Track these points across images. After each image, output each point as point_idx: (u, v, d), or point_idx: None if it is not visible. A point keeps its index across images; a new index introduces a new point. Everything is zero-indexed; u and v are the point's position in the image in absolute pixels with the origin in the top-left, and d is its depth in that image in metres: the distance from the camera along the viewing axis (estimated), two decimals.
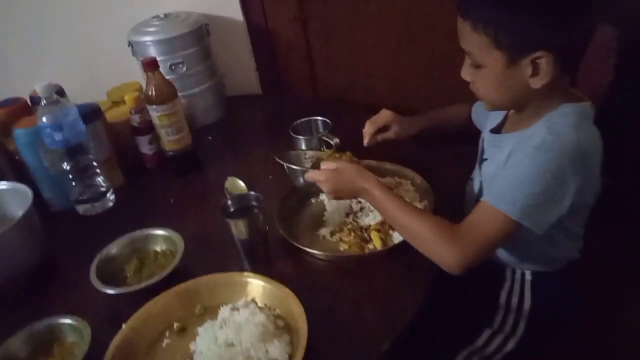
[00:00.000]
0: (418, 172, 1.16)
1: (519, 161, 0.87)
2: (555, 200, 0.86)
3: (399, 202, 0.94)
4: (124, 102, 1.47)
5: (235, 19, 1.65)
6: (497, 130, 1.05)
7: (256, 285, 0.93)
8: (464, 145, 1.36)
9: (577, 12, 0.83)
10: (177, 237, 1.06)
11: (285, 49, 1.70)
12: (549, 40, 0.83)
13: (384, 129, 1.21)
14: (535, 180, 0.84)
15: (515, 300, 1.07)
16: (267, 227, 1.02)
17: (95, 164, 1.26)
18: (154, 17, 1.52)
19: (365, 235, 1.04)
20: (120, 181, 1.36)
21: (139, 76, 1.56)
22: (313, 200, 1.18)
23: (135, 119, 1.35)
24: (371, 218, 1.06)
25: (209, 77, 1.57)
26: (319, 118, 1.31)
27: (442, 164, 1.31)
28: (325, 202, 1.16)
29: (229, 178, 1.26)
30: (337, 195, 1.01)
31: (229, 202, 1.03)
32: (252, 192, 1.03)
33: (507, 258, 1.05)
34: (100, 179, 1.28)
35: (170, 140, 1.31)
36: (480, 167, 1.07)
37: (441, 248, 0.87)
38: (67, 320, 0.91)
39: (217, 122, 1.62)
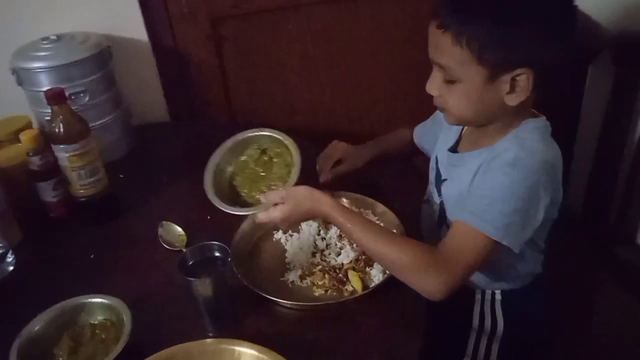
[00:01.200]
0: (376, 199, 1.08)
1: (494, 179, 0.85)
2: (531, 216, 0.85)
3: (370, 227, 0.88)
4: (10, 141, 1.23)
5: (139, 39, 1.46)
6: (453, 149, 1.02)
7: (237, 354, 0.78)
8: (403, 162, 1.35)
9: (566, 27, 0.83)
10: (117, 303, 0.87)
11: (197, 71, 1.55)
12: (534, 57, 0.81)
13: (336, 162, 1.14)
14: (512, 198, 0.83)
15: (487, 322, 1.04)
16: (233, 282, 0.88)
17: None
18: (43, 40, 1.29)
19: (341, 275, 0.94)
20: (18, 238, 1.11)
21: (25, 108, 1.31)
22: (269, 240, 1.05)
23: (35, 162, 1.11)
24: (343, 256, 0.97)
25: (114, 107, 1.37)
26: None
27: (393, 185, 1.26)
28: (283, 240, 1.04)
29: (162, 223, 1.09)
30: (295, 226, 0.96)
31: (188, 254, 0.87)
32: (215, 242, 0.88)
33: (478, 279, 1.01)
34: None
35: (84, 185, 1.10)
36: (437, 189, 1.04)
37: (424, 276, 0.82)
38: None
39: (126, 157, 1.41)
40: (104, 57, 1.33)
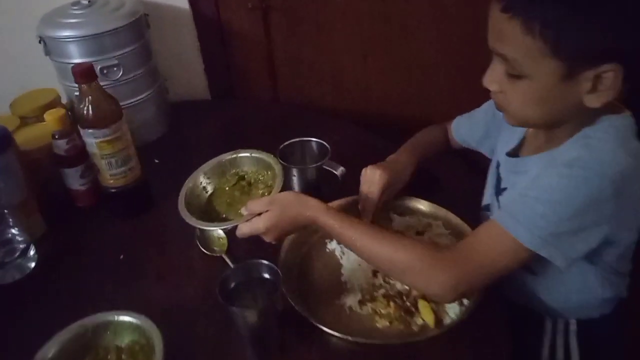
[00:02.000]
0: (449, 209, 0.93)
1: (543, 179, 0.72)
2: (584, 229, 0.70)
3: (365, 228, 0.78)
4: (37, 118, 1.11)
5: (179, 7, 1.31)
6: (514, 153, 0.87)
7: None
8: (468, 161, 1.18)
9: None
10: (147, 325, 0.75)
11: (241, 45, 1.40)
12: (626, 48, 0.65)
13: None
14: (561, 203, 0.69)
15: (560, 356, 0.89)
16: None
17: (5, 211, 0.90)
18: (73, 5, 1.15)
19: (408, 304, 0.79)
20: (41, 230, 1.00)
21: (53, 81, 1.19)
22: (322, 250, 0.91)
23: (61, 146, 0.99)
24: None
25: (151, 83, 1.23)
26: (313, 139, 1.04)
27: (459, 189, 1.11)
28: (338, 253, 0.90)
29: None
30: (284, 237, 0.84)
31: (230, 275, 0.73)
32: (263, 262, 0.74)
33: (546, 305, 0.87)
34: (14, 232, 0.92)
35: (115, 175, 0.97)
36: (497, 198, 0.89)
37: (431, 273, 0.73)
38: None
39: (162, 139, 1.28)
40: (140, 26, 1.19)
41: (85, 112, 0.91)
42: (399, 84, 1.50)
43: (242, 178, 1.00)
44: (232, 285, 0.73)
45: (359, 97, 1.51)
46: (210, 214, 0.92)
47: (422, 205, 0.95)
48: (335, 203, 0.93)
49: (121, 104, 1.14)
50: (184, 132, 1.32)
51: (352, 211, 0.88)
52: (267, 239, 0.80)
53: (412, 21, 1.41)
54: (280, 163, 0.98)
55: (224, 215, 0.92)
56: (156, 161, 1.19)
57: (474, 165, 1.44)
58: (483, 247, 0.72)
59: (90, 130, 0.93)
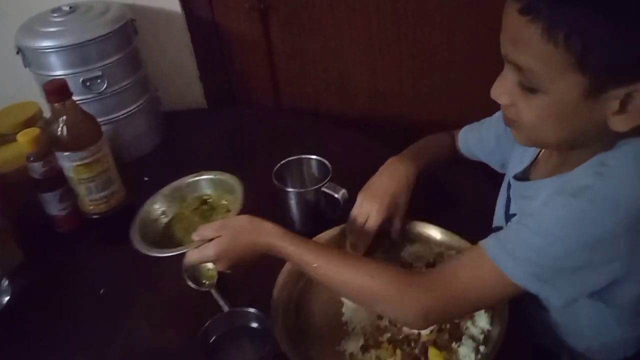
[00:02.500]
0: (463, 236, 0.83)
1: (544, 208, 0.62)
2: (588, 267, 0.60)
3: (327, 253, 0.70)
4: (16, 134, 1.03)
5: (169, 10, 1.22)
6: (524, 175, 0.77)
7: None
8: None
9: None
10: None
11: (239, 48, 1.31)
12: None
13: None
14: (561, 238, 0.59)
15: None
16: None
17: None
18: (53, 11, 1.06)
19: (417, 351, 0.70)
20: (18, 260, 0.92)
21: (35, 94, 1.10)
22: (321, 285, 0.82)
23: (37, 169, 0.90)
24: None
25: (140, 93, 1.14)
26: (313, 157, 0.94)
27: (477, 204, 1.00)
28: None
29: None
30: (238, 266, 0.74)
31: (211, 327, 0.64)
32: (251, 310, 0.66)
33: (563, 343, 0.77)
34: None
35: (95, 200, 0.89)
36: (507, 224, 0.78)
37: (399, 298, 0.65)
38: None
39: (153, 153, 1.20)
40: (127, 33, 1.10)
41: (59, 133, 0.83)
42: (410, 85, 1.39)
43: (205, 202, 0.94)
44: (215, 337, 0.64)
45: (368, 100, 1.41)
46: (168, 240, 0.87)
47: (434, 231, 0.85)
48: (324, 235, 0.84)
49: (107, 118, 1.09)
50: (178, 145, 1.23)
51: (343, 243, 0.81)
52: (219, 267, 0.74)
53: (422, 19, 1.30)
54: (276, 185, 0.89)
55: (182, 242, 0.87)
56: (146, 179, 1.11)
57: (492, 175, 1.34)
58: (465, 275, 0.64)
59: (65, 154, 0.84)
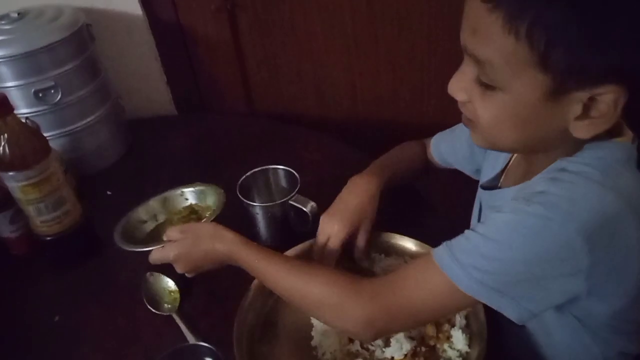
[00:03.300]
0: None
1: (498, 214, 0.57)
2: (544, 280, 0.55)
3: (279, 260, 0.69)
4: None
5: (130, 13, 1.15)
6: (492, 184, 0.73)
7: None
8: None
9: None
10: None
11: (207, 51, 1.25)
12: (633, 69, 0.51)
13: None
14: (510, 246, 0.54)
15: None
16: None
17: None
18: (1, 18, 1.00)
19: None
20: None
21: None
22: (291, 306, 0.77)
23: None
24: (395, 348, 0.67)
25: (99, 102, 1.08)
26: (280, 167, 0.88)
27: (454, 211, 0.95)
28: None
29: (148, 276, 0.81)
30: (197, 271, 0.74)
31: None
32: (206, 345, 0.60)
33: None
34: None
35: (46, 221, 0.83)
36: None
37: (344, 306, 0.61)
38: None
39: (117, 164, 1.14)
40: (82, 39, 1.03)
41: (1, 152, 0.76)
42: (389, 85, 1.34)
43: (195, 212, 0.91)
44: None
45: (345, 103, 1.36)
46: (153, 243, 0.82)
47: (409, 243, 0.80)
48: (294, 250, 0.80)
49: (64, 130, 1.03)
50: (144, 154, 1.17)
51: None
52: (178, 269, 0.74)
53: (401, 15, 1.24)
54: (241, 200, 0.83)
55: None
56: (108, 193, 1.05)
57: (468, 183, 1.29)
58: (412, 284, 0.60)
59: (10, 173, 0.78)
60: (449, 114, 0.90)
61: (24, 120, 0.81)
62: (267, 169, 0.89)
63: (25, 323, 0.82)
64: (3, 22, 0.99)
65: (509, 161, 0.72)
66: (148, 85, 1.25)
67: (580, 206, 0.53)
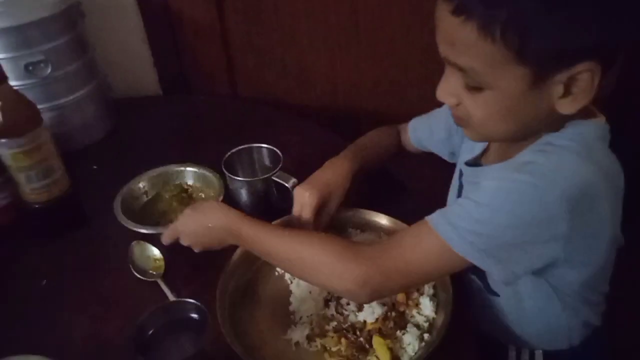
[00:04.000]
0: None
1: (488, 183, 0.63)
2: (530, 243, 0.61)
3: (275, 231, 0.72)
4: None
5: None
6: (475, 161, 0.78)
7: None
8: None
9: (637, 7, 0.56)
10: None
11: (194, 34, 1.28)
12: (603, 42, 0.56)
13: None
14: (501, 209, 0.60)
15: None
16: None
17: None
18: None
19: (363, 340, 0.70)
20: None
21: None
22: (271, 274, 0.81)
23: None
24: (367, 312, 0.72)
25: (87, 79, 1.10)
26: (264, 146, 0.93)
27: (427, 195, 1.01)
28: (287, 277, 0.80)
29: (134, 244, 0.85)
30: (202, 246, 0.76)
31: (147, 320, 0.63)
32: (190, 301, 0.64)
33: (510, 331, 0.78)
34: None
35: (35, 189, 0.85)
36: None
37: (341, 267, 0.64)
38: None
39: (103, 141, 1.16)
40: (72, 16, 1.06)
41: None
42: (369, 75, 1.39)
43: (185, 191, 0.96)
44: (151, 331, 0.62)
45: (326, 90, 1.40)
46: (144, 219, 0.89)
47: (384, 220, 0.85)
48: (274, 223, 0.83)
49: (53, 104, 1.05)
50: (129, 133, 1.20)
51: None
52: (184, 242, 0.77)
53: (381, 9, 1.29)
54: (225, 174, 0.87)
55: (158, 222, 0.90)
56: (94, 167, 1.08)
57: (441, 167, 1.35)
58: (408, 246, 0.64)
59: (2, 140, 0.81)
60: (427, 106, 0.97)
61: None
62: (251, 147, 0.93)
63: (13, 287, 0.84)
64: None
65: (489, 143, 0.77)
66: (135, 66, 1.28)
67: (564, 174, 0.59)
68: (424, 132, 0.94)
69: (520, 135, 0.66)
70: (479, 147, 0.79)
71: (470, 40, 0.57)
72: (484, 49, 0.56)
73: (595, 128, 0.65)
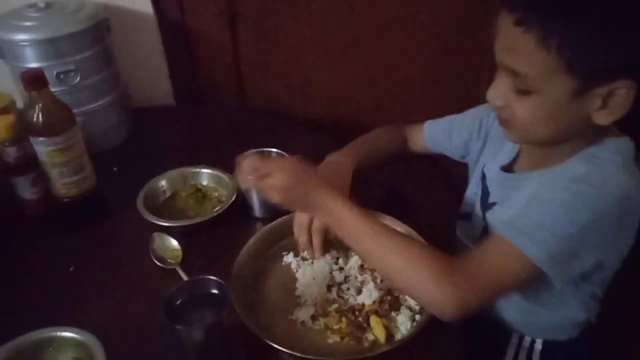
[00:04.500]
0: (398, 218, 0.91)
1: (552, 193, 0.70)
2: (585, 249, 0.69)
3: (372, 224, 0.72)
4: None
5: (142, 12, 1.29)
6: (508, 168, 0.86)
7: None
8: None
9: None
10: (92, 341, 0.72)
11: (207, 50, 1.39)
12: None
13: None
14: (568, 219, 0.67)
15: None
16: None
17: None
18: (30, 7, 1.12)
19: (361, 320, 0.78)
20: None
21: (8, 84, 1.15)
22: (278, 263, 0.90)
23: (11, 154, 0.96)
24: (365, 295, 0.81)
25: (111, 88, 1.21)
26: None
27: (420, 196, 1.10)
28: (294, 266, 0.89)
29: (155, 235, 0.94)
30: (289, 204, 0.77)
31: (175, 292, 0.71)
32: (212, 278, 0.73)
33: (515, 319, 0.86)
34: None
35: (66, 184, 0.94)
36: (483, 211, 0.87)
37: (436, 286, 0.67)
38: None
39: (122, 145, 1.26)
40: (100, 30, 1.16)
41: (35, 119, 0.88)
42: (367, 92, 1.49)
43: (199, 190, 1.05)
44: (179, 302, 0.71)
45: (326, 103, 1.50)
46: (163, 214, 0.98)
47: (386, 220, 0.93)
48: (283, 219, 0.93)
49: (79, 110, 1.14)
50: (146, 139, 1.29)
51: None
52: (274, 197, 0.75)
53: (379, 31, 1.40)
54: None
55: (177, 217, 0.99)
56: (115, 169, 1.17)
57: (441, 176, 1.44)
58: (492, 264, 0.69)
59: (40, 139, 0.90)
60: (422, 119, 1.06)
61: None
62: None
63: (42, 272, 0.93)
64: (31, 10, 1.11)
65: (519, 149, 0.84)
66: (152, 77, 1.38)
67: (614, 185, 0.67)
68: (441, 135, 1.00)
69: (556, 140, 0.74)
70: (506, 154, 0.85)
71: (528, 48, 0.65)
72: (539, 57, 0.65)
73: (628, 145, 0.73)
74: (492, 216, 0.85)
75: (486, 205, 0.87)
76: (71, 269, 0.92)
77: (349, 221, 0.72)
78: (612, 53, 0.64)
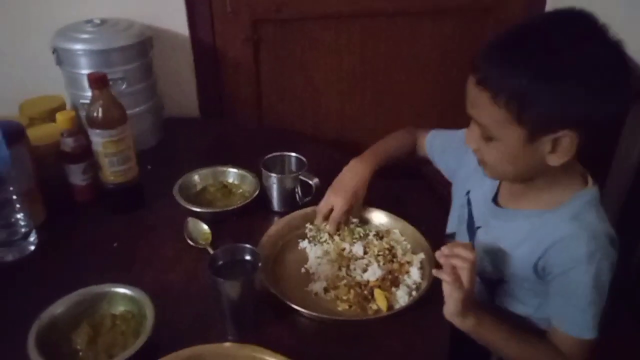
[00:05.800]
0: (406, 220, 1.07)
1: (577, 284, 0.83)
2: (606, 295, 0.85)
3: (509, 334, 0.87)
4: (43, 120, 1.24)
5: (180, 33, 1.46)
6: (495, 200, 0.96)
7: None
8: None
9: (620, 80, 0.76)
10: (140, 296, 0.86)
11: (232, 71, 1.55)
12: (578, 118, 0.75)
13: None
14: (598, 293, 0.83)
15: None
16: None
17: (15, 197, 1.00)
18: (86, 22, 1.29)
19: (366, 293, 0.93)
20: (41, 218, 1.10)
21: (59, 88, 1.31)
22: (295, 248, 1.05)
23: (68, 144, 1.11)
24: (370, 273, 0.95)
25: (149, 97, 1.37)
26: (292, 154, 1.18)
27: (422, 204, 1.25)
28: (308, 250, 1.04)
29: (189, 220, 1.08)
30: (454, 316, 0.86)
31: (218, 254, 0.86)
32: (247, 245, 0.87)
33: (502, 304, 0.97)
34: (18, 216, 1.02)
35: (115, 172, 1.09)
36: (469, 234, 0.99)
37: None
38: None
39: (154, 148, 1.41)
40: (145, 46, 1.33)
41: (95, 114, 1.04)
42: (371, 115, 1.67)
43: (225, 186, 1.20)
44: (219, 263, 0.85)
45: (336, 124, 1.67)
46: (198, 201, 1.14)
47: (383, 215, 1.10)
48: (299, 212, 1.09)
49: None
50: (174, 145, 1.45)
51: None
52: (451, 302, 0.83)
53: (386, 63, 1.59)
54: (263, 172, 1.12)
55: (208, 206, 1.14)
56: (149, 167, 1.31)
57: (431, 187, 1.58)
58: (578, 357, 0.85)
59: (98, 131, 1.05)
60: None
61: None
62: (282, 154, 1.18)
63: (89, 246, 1.06)
64: (88, 25, 1.28)
65: (499, 182, 0.95)
66: (182, 91, 1.55)
67: (606, 243, 0.82)
68: (437, 150, 1.13)
69: (524, 178, 0.86)
70: (488, 185, 0.96)
71: (485, 104, 0.77)
72: (493, 111, 0.77)
73: (593, 194, 0.86)
74: (481, 237, 0.96)
75: (472, 229, 0.98)
76: (115, 244, 1.06)
77: (497, 344, 0.87)
78: (551, 109, 0.75)
